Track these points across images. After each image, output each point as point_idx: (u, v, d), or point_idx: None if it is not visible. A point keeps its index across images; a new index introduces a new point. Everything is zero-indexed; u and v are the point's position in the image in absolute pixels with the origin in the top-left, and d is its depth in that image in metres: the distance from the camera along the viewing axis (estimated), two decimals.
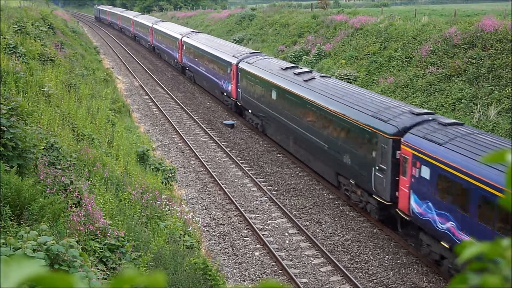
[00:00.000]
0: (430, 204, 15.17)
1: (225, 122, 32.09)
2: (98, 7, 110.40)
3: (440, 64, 28.23)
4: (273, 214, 19.68)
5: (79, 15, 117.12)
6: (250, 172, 23.83)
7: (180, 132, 29.77)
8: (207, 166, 24.26)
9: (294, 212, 19.82)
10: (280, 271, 15.85)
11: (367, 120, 18.31)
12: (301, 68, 27.08)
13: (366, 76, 32.51)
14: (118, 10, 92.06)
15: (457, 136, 15.21)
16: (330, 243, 17.54)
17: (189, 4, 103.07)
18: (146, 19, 65.74)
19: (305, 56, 39.12)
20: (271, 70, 27.22)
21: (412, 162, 15.93)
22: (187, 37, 43.82)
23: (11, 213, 9.67)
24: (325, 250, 16.71)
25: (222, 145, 27.35)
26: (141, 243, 12.45)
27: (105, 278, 9.57)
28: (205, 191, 21.82)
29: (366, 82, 31.72)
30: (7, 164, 10.66)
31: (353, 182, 19.46)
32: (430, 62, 28.93)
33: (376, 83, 31.05)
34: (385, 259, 16.56)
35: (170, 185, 20.43)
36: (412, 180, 15.94)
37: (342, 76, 32.04)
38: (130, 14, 77.67)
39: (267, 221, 19.10)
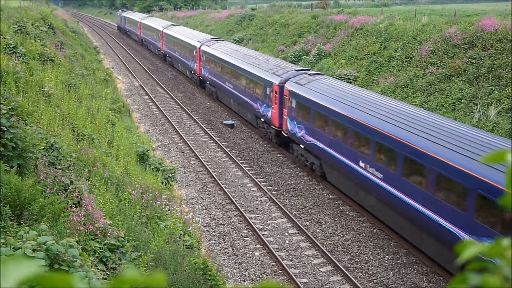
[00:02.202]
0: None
1: (225, 122, 32.10)
2: (123, 14, 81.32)
3: (440, 64, 28.23)
4: (273, 214, 19.68)
5: (79, 15, 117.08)
6: (250, 172, 23.83)
7: (180, 132, 29.78)
8: (207, 166, 24.26)
9: (294, 212, 19.82)
10: (280, 271, 15.85)
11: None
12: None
13: (366, 76, 32.50)
14: (158, 24, 57.13)
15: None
16: (330, 243, 17.54)
17: (189, 4, 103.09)
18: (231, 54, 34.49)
19: (305, 56, 39.12)
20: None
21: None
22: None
23: (11, 213, 9.67)
24: (325, 250, 16.71)
25: (222, 145, 27.36)
26: (141, 243, 12.45)
27: (105, 278, 9.57)
28: (205, 191, 21.82)
29: (366, 82, 31.71)
30: (7, 164, 10.66)
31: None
32: (430, 62, 28.93)
33: (376, 83, 31.05)
34: (385, 259, 16.56)
35: (170, 185, 20.42)
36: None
37: (342, 76, 32.04)
38: (190, 37, 43.66)
39: (267, 221, 19.09)
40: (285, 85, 24.91)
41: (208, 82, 38.18)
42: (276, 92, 25.72)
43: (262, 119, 27.92)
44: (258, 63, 29.52)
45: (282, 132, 25.73)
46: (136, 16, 74.63)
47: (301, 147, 23.70)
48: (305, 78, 24.36)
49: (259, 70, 28.39)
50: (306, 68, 27.58)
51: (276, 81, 25.88)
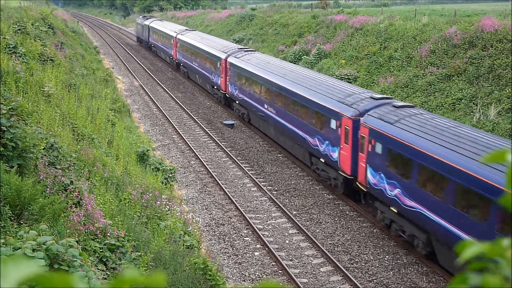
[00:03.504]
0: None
1: (225, 122, 32.09)
2: (145, 23, 61.59)
3: (440, 64, 28.23)
4: (273, 214, 19.68)
5: (79, 15, 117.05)
6: (250, 172, 23.83)
7: (180, 132, 29.78)
8: (207, 166, 24.26)
9: (294, 212, 19.82)
10: (280, 271, 15.85)
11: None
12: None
13: (366, 76, 32.50)
14: (216, 46, 37.08)
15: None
16: (330, 243, 17.54)
17: (189, 4, 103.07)
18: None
19: (305, 56, 39.10)
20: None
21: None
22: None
23: (11, 213, 9.67)
24: (325, 250, 16.71)
25: (222, 145, 27.36)
26: (141, 243, 12.45)
27: (105, 278, 9.57)
28: (205, 191, 21.82)
29: (366, 82, 31.70)
30: (7, 164, 10.66)
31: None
32: (430, 62, 28.92)
33: (376, 83, 31.04)
34: (385, 259, 16.56)
35: (170, 185, 20.42)
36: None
37: (343, 76, 32.02)
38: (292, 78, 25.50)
39: (267, 221, 19.10)
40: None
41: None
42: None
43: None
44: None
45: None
46: (168, 27, 52.67)
47: None
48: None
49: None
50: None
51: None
